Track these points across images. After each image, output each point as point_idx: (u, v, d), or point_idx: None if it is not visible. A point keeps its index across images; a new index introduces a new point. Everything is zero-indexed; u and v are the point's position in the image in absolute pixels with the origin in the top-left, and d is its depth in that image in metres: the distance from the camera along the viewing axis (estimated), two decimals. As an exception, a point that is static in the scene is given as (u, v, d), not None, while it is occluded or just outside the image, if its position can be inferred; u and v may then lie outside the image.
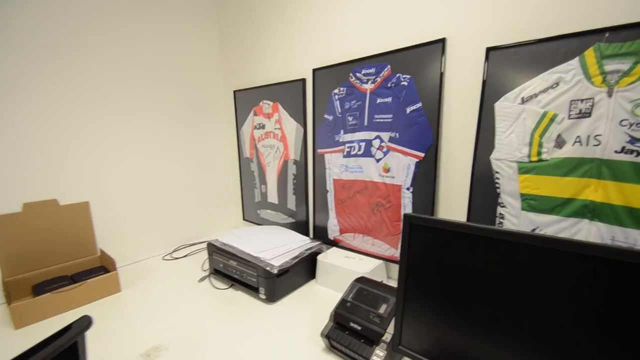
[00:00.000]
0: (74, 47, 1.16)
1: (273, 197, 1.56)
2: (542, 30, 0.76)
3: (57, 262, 1.16)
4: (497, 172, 0.87)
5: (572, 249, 0.46)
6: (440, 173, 0.99)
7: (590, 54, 0.70)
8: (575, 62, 0.72)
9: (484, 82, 0.85)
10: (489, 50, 0.83)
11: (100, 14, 1.22)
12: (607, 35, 0.68)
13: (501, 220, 0.88)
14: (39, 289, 1.07)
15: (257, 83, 1.50)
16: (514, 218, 0.86)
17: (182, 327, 0.94)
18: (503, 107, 0.83)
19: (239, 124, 1.66)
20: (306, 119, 1.32)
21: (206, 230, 1.68)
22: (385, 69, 1.04)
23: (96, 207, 1.27)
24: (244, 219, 1.78)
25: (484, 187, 0.89)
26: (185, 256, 1.45)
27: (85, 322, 0.62)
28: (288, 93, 1.36)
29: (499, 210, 0.88)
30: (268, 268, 1.03)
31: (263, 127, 1.52)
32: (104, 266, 1.22)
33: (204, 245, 1.57)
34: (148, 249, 1.46)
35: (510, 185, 0.85)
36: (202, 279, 1.22)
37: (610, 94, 0.69)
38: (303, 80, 1.29)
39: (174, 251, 1.50)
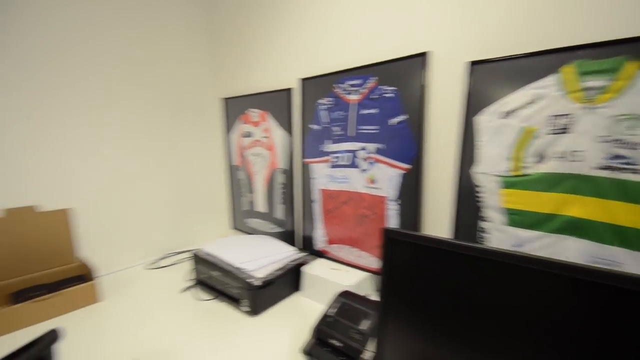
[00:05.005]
0: (55, 46, 1.15)
1: (261, 206, 1.54)
2: (523, 46, 0.77)
3: (36, 270, 1.14)
4: (479, 187, 0.86)
5: (548, 268, 0.45)
6: (425, 185, 0.98)
7: (568, 71, 0.71)
8: (553, 78, 0.72)
9: (468, 95, 0.85)
10: (473, 64, 0.83)
11: (86, 18, 1.21)
12: (583, 52, 0.69)
13: (484, 234, 0.87)
14: (17, 297, 1.04)
15: (245, 91, 1.50)
16: (499, 233, 0.85)
17: (161, 339, 0.91)
18: (483, 120, 0.83)
19: (227, 131, 1.65)
20: (293, 128, 1.32)
21: (194, 239, 1.65)
22: (371, 81, 1.04)
23: (80, 214, 1.24)
24: (233, 228, 1.76)
25: (468, 200, 0.89)
26: (169, 265, 1.42)
27: (53, 336, 0.60)
28: (275, 102, 1.36)
29: (482, 224, 0.87)
30: (251, 280, 1.01)
31: (250, 135, 1.51)
32: (83, 275, 1.19)
33: (189, 254, 1.54)
34: (132, 257, 1.43)
35: (493, 200, 0.84)
36: (184, 290, 1.20)
37: (588, 110, 0.69)
38: (290, 90, 1.29)
39: (159, 259, 1.47)
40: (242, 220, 1.69)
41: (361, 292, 0.97)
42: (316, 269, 1.15)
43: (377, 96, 1.03)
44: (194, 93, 1.59)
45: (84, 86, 1.23)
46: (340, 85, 1.12)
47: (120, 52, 1.31)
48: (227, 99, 1.60)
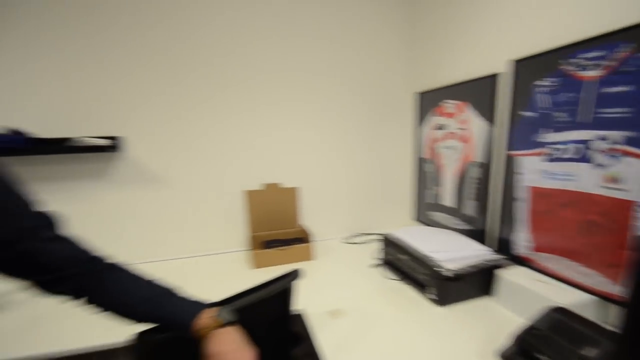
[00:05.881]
0: (288, 52, 1.54)
1: (448, 200, 1.50)
2: None
3: (277, 228, 1.60)
4: None
5: None
6: None
7: None
8: None
9: None
10: None
11: (279, 13, 1.52)
12: None
13: None
14: (267, 244, 1.51)
15: (441, 83, 1.48)
16: None
17: (356, 300, 1.09)
18: None
19: (418, 124, 1.69)
20: (496, 118, 1.20)
21: (379, 224, 1.81)
22: (623, 50, 0.79)
23: (304, 192, 1.65)
24: (415, 219, 1.81)
25: None
26: (360, 243, 1.64)
27: (296, 274, 0.84)
28: (476, 90, 1.27)
29: None
30: (440, 270, 1.02)
31: (444, 127, 1.48)
32: (303, 238, 1.57)
33: (377, 237, 1.71)
34: (332, 230, 1.74)
35: None
36: (374, 266, 1.35)
37: None
38: (495, 76, 1.17)
39: (352, 237, 1.73)
40: (425, 212, 1.70)
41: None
42: (517, 277, 1.02)
43: (634, 68, 0.78)
44: (388, 88, 1.71)
45: (298, 93, 1.58)
46: (570, 60, 0.92)
47: (328, 52, 1.58)
48: (421, 93, 1.64)
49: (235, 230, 1.59)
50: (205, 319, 0.61)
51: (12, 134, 1.14)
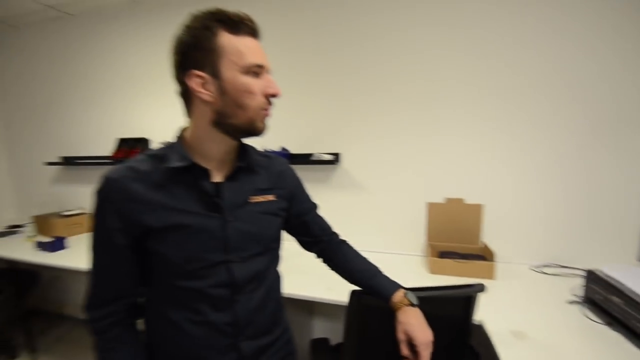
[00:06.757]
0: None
1: None
2: None
3: (454, 241, 1.70)
4: None
5: None
6: None
7: None
8: None
9: None
10: None
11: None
12: None
13: None
14: (442, 254, 1.64)
15: None
16: None
17: (546, 331, 1.06)
18: None
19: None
20: None
21: (582, 257, 1.57)
22: None
23: (488, 210, 1.67)
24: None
25: None
26: (554, 275, 1.49)
27: (481, 287, 0.94)
28: None
29: None
30: (672, 324, 0.87)
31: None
32: (483, 256, 1.59)
33: (578, 272, 1.50)
34: (518, 255, 1.65)
35: None
36: (571, 302, 1.23)
37: None
38: None
39: (543, 265, 1.58)
40: (661, 256, 1.34)
41: None
42: None
43: None
44: (619, 97, 1.46)
45: (498, 106, 1.59)
46: None
47: (533, 59, 1.53)
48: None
49: (415, 236, 1.80)
50: (399, 295, 0.82)
51: (282, 150, 1.82)
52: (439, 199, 1.73)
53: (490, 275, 1.46)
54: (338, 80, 1.81)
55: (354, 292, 0.92)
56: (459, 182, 1.70)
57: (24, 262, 1.87)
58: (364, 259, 0.93)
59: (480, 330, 1.08)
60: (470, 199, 1.68)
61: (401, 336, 0.78)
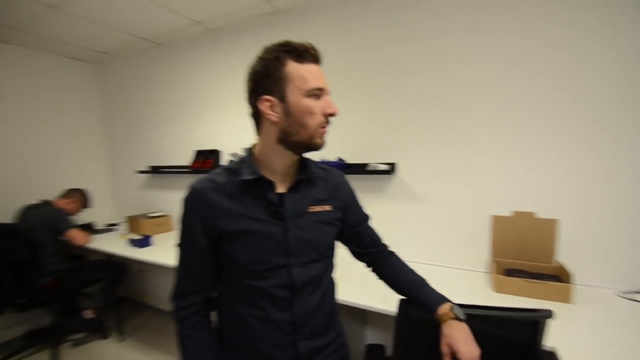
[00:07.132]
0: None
1: None
2: None
3: (523, 259, 1.56)
4: None
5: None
6: None
7: None
8: None
9: None
10: None
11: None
12: None
13: None
14: (508, 272, 1.51)
15: None
16: None
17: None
18: None
19: None
20: None
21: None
22: None
23: (564, 226, 1.50)
24: None
25: None
26: (648, 304, 1.28)
27: (549, 313, 0.87)
28: None
29: None
30: None
31: None
32: (558, 276, 1.43)
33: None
34: (601, 277, 1.45)
35: None
36: (674, 338, 1.05)
37: None
38: None
39: (634, 292, 1.37)
40: None
41: None
42: None
43: None
44: None
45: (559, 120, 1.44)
46: None
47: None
48: None
49: (477, 251, 1.69)
50: (445, 308, 0.80)
51: (338, 160, 1.88)
52: (504, 211, 1.61)
53: (566, 298, 1.30)
54: (395, 90, 1.81)
55: (402, 301, 0.92)
56: (527, 194, 1.56)
57: (119, 255, 2.22)
58: (412, 270, 0.93)
59: (552, 357, 0.99)
60: (541, 213, 1.53)
61: (445, 349, 0.77)
